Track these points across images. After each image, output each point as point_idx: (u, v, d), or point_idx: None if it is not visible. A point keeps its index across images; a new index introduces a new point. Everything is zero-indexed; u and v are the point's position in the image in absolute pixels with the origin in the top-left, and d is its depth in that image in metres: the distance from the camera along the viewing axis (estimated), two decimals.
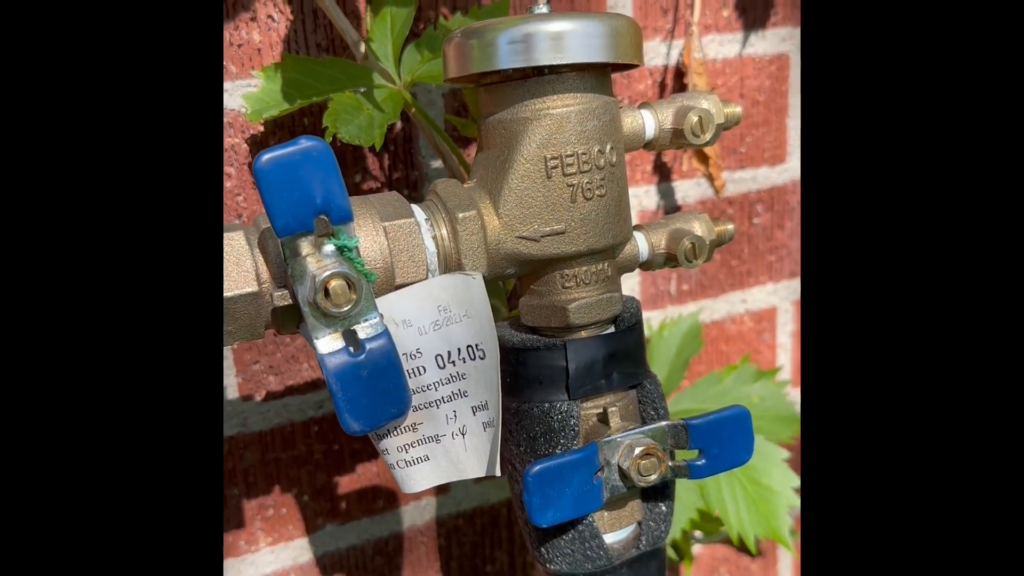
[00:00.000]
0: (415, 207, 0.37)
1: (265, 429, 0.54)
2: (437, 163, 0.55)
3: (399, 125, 0.53)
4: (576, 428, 0.39)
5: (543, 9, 0.38)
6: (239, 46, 0.48)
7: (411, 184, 0.54)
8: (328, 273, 0.31)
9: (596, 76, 0.38)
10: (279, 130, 0.50)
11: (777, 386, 0.61)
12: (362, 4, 0.50)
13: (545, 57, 0.36)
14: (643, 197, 0.62)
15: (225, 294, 0.33)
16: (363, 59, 0.47)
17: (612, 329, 0.41)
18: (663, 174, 0.62)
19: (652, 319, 0.64)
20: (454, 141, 0.53)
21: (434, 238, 0.37)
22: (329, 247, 0.32)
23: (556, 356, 0.39)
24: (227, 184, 0.50)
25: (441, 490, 0.60)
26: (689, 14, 0.59)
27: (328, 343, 0.32)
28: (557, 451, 0.39)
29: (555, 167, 0.37)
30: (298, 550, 0.56)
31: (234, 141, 0.49)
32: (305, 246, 0.32)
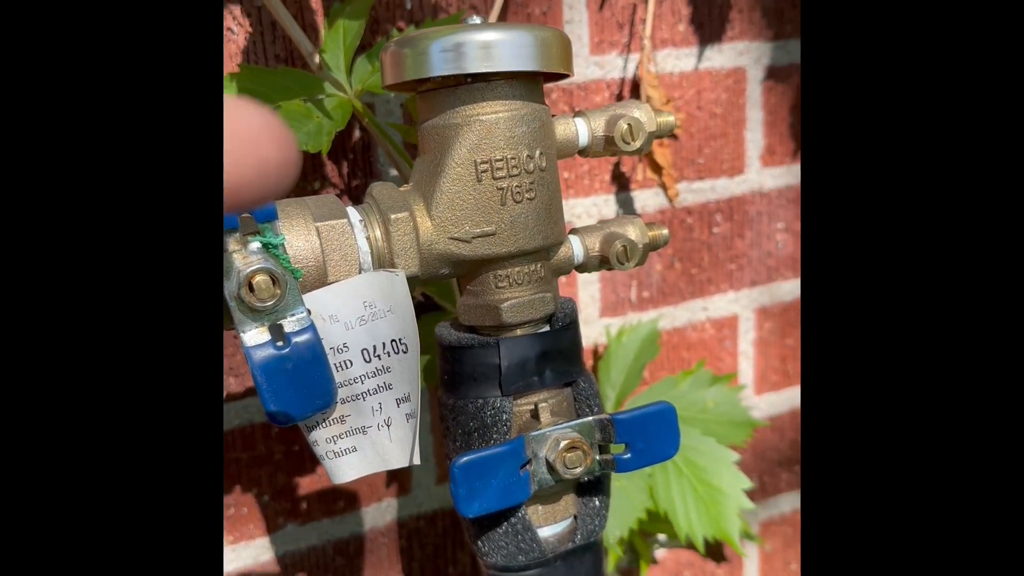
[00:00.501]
0: (351, 209, 0.39)
1: (226, 430, 0.55)
2: (395, 172, 0.56)
3: (358, 134, 0.55)
4: (508, 423, 0.40)
5: (475, 20, 0.40)
6: None
7: None
8: (252, 268, 0.33)
9: (525, 84, 0.40)
10: None
11: (732, 391, 0.62)
12: (319, 18, 0.52)
13: (474, 65, 0.38)
14: (602, 206, 0.64)
15: None
16: (318, 69, 0.49)
17: (547, 328, 0.42)
18: (621, 184, 0.64)
19: (612, 326, 0.66)
20: (409, 150, 0.54)
21: (368, 238, 0.38)
22: (255, 244, 0.34)
23: (490, 354, 0.40)
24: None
25: (402, 491, 0.62)
26: (643, 28, 0.61)
27: (254, 336, 0.34)
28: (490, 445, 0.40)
29: (485, 171, 0.39)
30: (259, 549, 0.58)
31: None
32: (231, 243, 0.33)
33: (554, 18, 0.59)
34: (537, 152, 0.40)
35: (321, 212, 0.38)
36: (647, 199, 0.65)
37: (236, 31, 0.51)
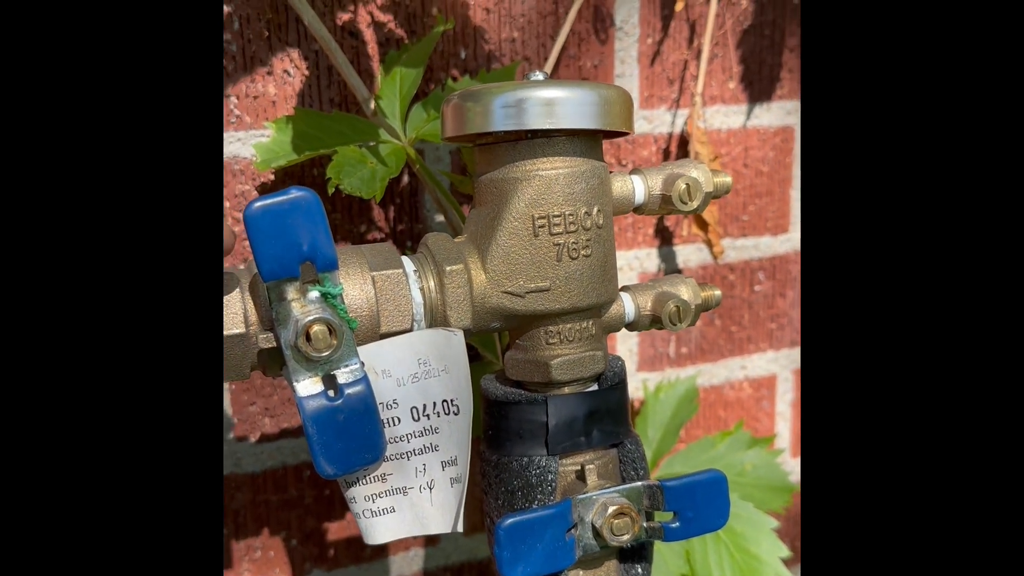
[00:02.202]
0: (405, 258, 0.39)
1: (257, 471, 0.54)
2: (441, 218, 0.56)
3: (406, 180, 0.55)
4: (554, 484, 0.39)
5: (539, 76, 0.40)
6: (255, 98, 0.51)
7: (415, 236, 0.56)
8: (310, 318, 0.32)
9: (585, 141, 0.39)
10: (289, 179, 0.52)
11: (771, 454, 0.61)
12: (375, 64, 0.53)
13: (536, 122, 0.37)
14: (644, 260, 0.63)
15: None
16: (372, 115, 0.49)
17: (595, 387, 0.41)
18: (664, 238, 0.63)
19: (650, 381, 0.65)
20: (457, 197, 0.54)
21: (421, 289, 0.38)
22: (314, 293, 0.33)
23: (537, 411, 0.40)
24: (235, 229, 0.52)
25: (430, 542, 0.60)
26: (694, 85, 0.61)
27: (307, 386, 0.33)
28: (534, 506, 0.39)
29: (542, 226, 0.38)
30: None
31: (245, 188, 0.51)
32: (290, 291, 0.33)
33: (605, 71, 0.59)
34: (595, 209, 0.39)
35: (377, 261, 0.37)
36: (689, 254, 0.65)
37: (293, 74, 0.51)
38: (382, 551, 0.59)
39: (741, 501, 0.58)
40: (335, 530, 0.57)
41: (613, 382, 0.41)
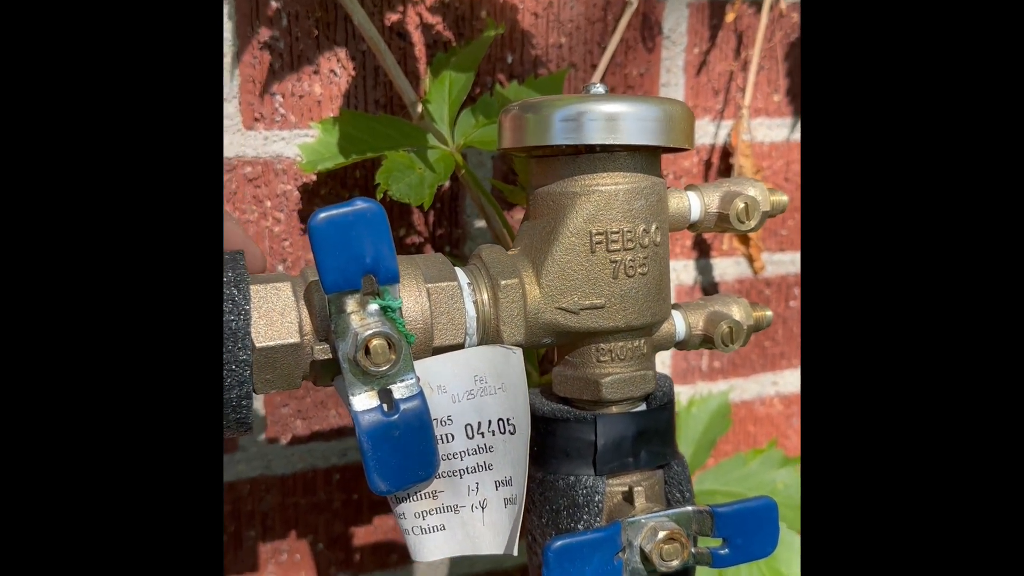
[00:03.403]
0: (459, 270, 0.38)
1: (287, 473, 0.54)
2: (481, 223, 0.55)
3: (447, 184, 0.54)
4: (600, 505, 0.39)
5: (599, 89, 0.39)
6: (300, 97, 0.50)
7: (453, 242, 0.55)
8: (370, 332, 0.32)
9: (646, 157, 0.39)
10: (331, 180, 0.51)
11: None
12: (422, 66, 0.52)
13: (598, 136, 0.37)
14: (681, 272, 0.62)
15: (267, 343, 0.33)
16: (419, 119, 0.48)
17: (643, 407, 0.40)
18: (703, 250, 0.63)
19: (682, 394, 0.64)
20: (499, 204, 0.54)
21: (475, 302, 0.37)
22: (374, 306, 0.33)
23: (585, 430, 0.39)
24: (275, 229, 0.51)
25: None
26: (740, 97, 0.60)
27: (363, 400, 0.33)
28: (579, 526, 0.39)
29: (600, 242, 0.38)
30: None
31: (286, 188, 0.51)
32: (350, 303, 0.32)
33: (651, 80, 0.58)
34: (653, 227, 0.38)
35: (431, 272, 0.37)
36: (727, 267, 0.64)
37: (339, 74, 0.50)
38: (407, 557, 0.58)
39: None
40: (362, 535, 0.57)
41: (662, 402, 0.41)
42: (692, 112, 0.39)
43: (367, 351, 0.32)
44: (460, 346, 0.37)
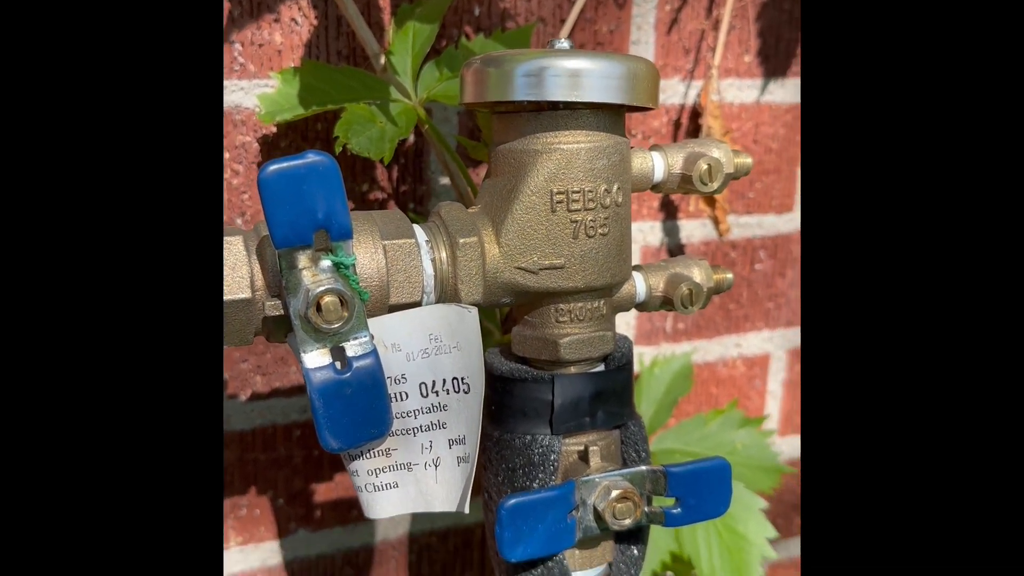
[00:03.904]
0: (417, 228, 0.37)
1: (247, 429, 0.53)
2: (445, 180, 0.55)
3: (411, 139, 0.53)
4: (556, 464, 0.39)
5: (563, 44, 0.38)
6: (260, 46, 0.49)
7: (417, 198, 0.54)
8: (322, 288, 0.31)
9: (610, 116, 0.38)
10: (291, 132, 0.50)
11: (762, 435, 0.61)
12: (386, 16, 0.51)
13: (560, 93, 0.36)
14: (648, 233, 0.62)
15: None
16: (382, 71, 0.47)
17: (602, 367, 0.40)
18: (669, 212, 0.62)
19: (645, 355, 0.64)
20: (464, 160, 0.53)
21: (433, 260, 0.37)
22: (326, 263, 0.32)
23: (543, 389, 0.39)
24: (234, 181, 0.50)
25: None
26: (710, 56, 0.59)
27: (315, 358, 0.32)
28: (535, 485, 0.39)
29: (560, 202, 0.37)
30: (268, 552, 0.56)
31: (245, 139, 0.49)
32: (302, 259, 0.32)
33: (621, 37, 0.57)
34: (615, 187, 0.38)
35: (388, 230, 0.36)
36: (693, 229, 0.64)
37: (300, 23, 0.49)
38: None
39: (733, 482, 0.58)
40: (323, 491, 0.57)
41: (620, 363, 0.41)
42: (657, 71, 0.39)
43: (319, 308, 0.31)
44: (417, 304, 0.36)
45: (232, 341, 0.34)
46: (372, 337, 0.33)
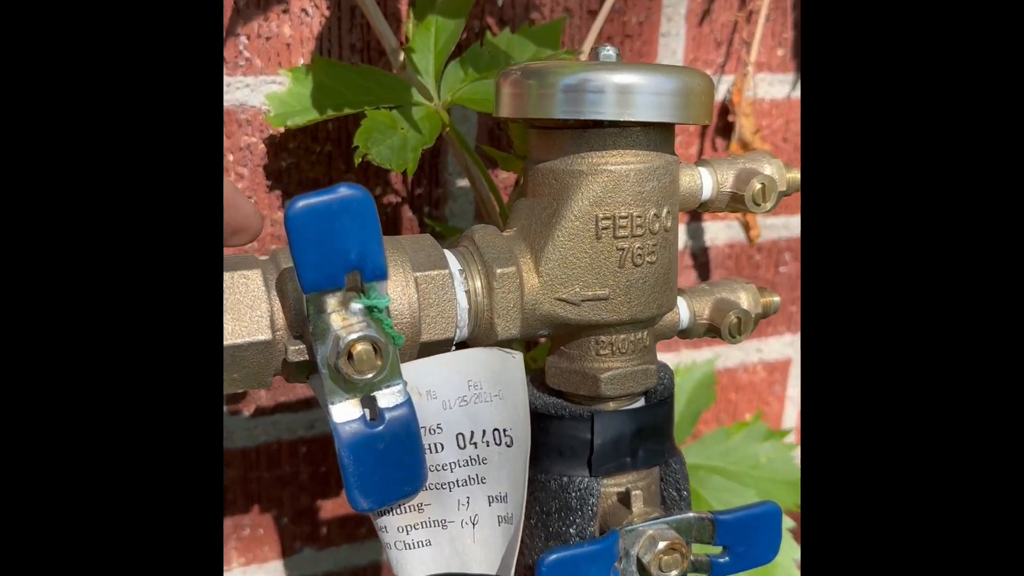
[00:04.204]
0: (449, 255, 0.34)
1: (250, 446, 0.50)
2: (463, 182, 0.51)
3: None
4: (595, 508, 0.36)
5: (610, 53, 0.35)
6: (267, 39, 0.45)
7: (433, 202, 0.51)
8: (354, 336, 0.28)
9: (661, 132, 0.35)
10: (300, 133, 0.47)
11: (786, 448, 0.58)
12: (403, 6, 0.47)
13: (609, 111, 0.33)
14: None
15: (235, 341, 0.29)
16: (400, 68, 0.43)
17: (642, 401, 0.38)
18: (694, 214, 0.59)
19: (666, 363, 0.61)
20: (487, 163, 0.49)
21: (467, 292, 0.33)
22: (357, 305, 0.29)
23: (581, 428, 0.36)
24: (239, 185, 0.46)
25: None
26: (743, 51, 0.56)
27: (344, 410, 0.29)
28: (571, 530, 0.36)
29: (606, 228, 0.34)
30: (272, 573, 0.53)
31: (251, 140, 0.46)
32: (331, 302, 0.28)
33: (651, 28, 0.54)
34: (664, 211, 0.35)
35: (419, 259, 0.33)
36: (718, 232, 0.61)
37: (311, 14, 0.45)
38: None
39: (748, 491, 0.56)
40: (330, 508, 0.54)
41: (663, 396, 0.38)
42: (713, 84, 0.36)
43: (350, 357, 0.28)
44: (450, 341, 0.33)
45: (248, 385, 0.31)
46: (406, 384, 0.30)
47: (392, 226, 0.50)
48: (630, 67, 0.33)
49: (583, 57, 0.49)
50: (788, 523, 0.54)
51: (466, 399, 0.31)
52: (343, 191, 0.27)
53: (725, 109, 0.58)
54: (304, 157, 0.47)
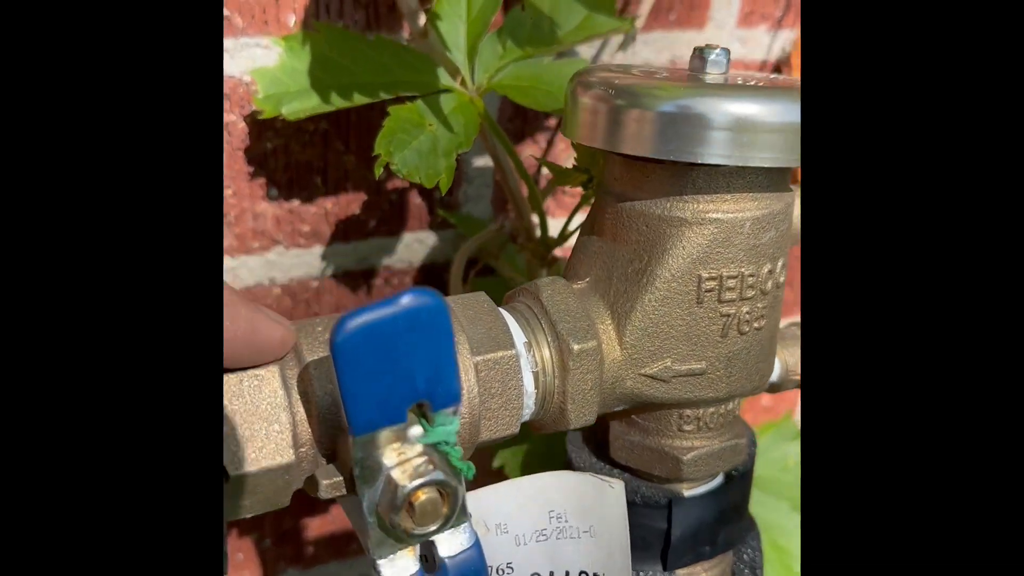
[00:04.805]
0: (510, 320, 0.27)
1: None
2: (479, 162, 0.43)
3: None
4: None
5: (718, 57, 0.27)
6: None
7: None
8: (417, 483, 0.21)
9: (782, 169, 0.27)
10: None
11: None
12: None
13: (721, 152, 0.25)
14: None
15: (247, 469, 0.22)
16: (421, 36, 0.34)
17: (722, 478, 0.32)
18: None
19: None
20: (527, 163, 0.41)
21: (535, 373, 0.26)
22: (417, 430, 0.21)
23: (656, 516, 0.30)
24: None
25: None
26: None
27: (397, 567, 0.22)
28: None
29: (711, 290, 0.27)
30: None
31: (229, 118, 0.37)
32: (385, 435, 0.21)
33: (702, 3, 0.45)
34: (779, 264, 0.28)
35: (478, 334, 0.25)
36: None
37: None
38: None
39: (778, 502, 0.52)
40: (315, 526, 0.47)
41: (743, 471, 0.32)
42: None
43: (411, 506, 0.21)
44: (511, 437, 0.26)
45: (261, 509, 0.24)
46: (471, 521, 0.23)
47: (397, 214, 0.42)
48: (749, 93, 0.25)
49: (639, 24, 0.40)
50: None
51: (545, 533, 0.24)
52: (408, 300, 0.19)
53: (777, 69, 0.50)
54: (294, 137, 0.38)
